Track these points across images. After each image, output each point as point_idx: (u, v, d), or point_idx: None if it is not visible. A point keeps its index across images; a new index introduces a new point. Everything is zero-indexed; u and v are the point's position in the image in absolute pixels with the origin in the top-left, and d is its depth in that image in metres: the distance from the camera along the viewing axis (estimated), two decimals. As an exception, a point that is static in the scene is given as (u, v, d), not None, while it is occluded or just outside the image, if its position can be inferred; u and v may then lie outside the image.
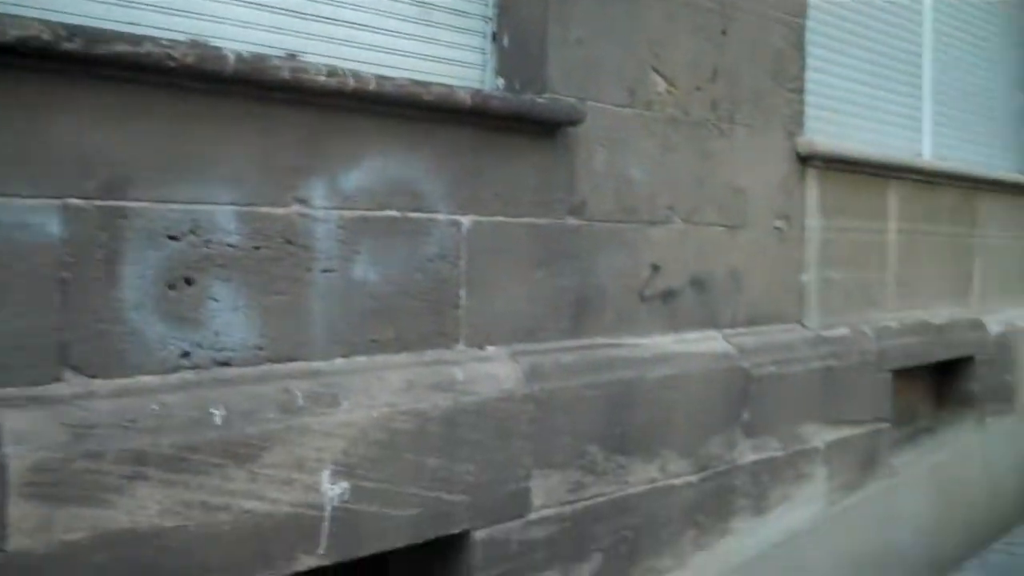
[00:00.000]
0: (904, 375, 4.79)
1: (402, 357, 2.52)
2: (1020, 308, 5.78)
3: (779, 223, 3.89)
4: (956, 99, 5.63)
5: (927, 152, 5.25)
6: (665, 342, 3.32)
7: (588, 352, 3.03)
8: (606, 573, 3.00)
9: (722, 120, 3.59)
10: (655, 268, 3.31)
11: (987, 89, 5.99)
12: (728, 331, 3.61)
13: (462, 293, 2.68)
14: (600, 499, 2.97)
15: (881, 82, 4.90)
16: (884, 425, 4.35)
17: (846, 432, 4.12)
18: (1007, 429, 5.48)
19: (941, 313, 4.98)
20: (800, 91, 4.00)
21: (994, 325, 5.36)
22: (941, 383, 5.20)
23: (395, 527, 2.37)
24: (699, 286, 3.49)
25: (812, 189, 4.06)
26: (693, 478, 3.32)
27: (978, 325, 5.23)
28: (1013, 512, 5.55)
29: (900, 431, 4.80)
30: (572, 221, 3.03)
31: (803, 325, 4.01)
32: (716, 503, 3.43)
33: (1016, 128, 6.38)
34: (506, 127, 2.81)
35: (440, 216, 2.64)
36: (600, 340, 3.11)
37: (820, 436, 3.96)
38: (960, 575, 4.84)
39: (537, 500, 2.75)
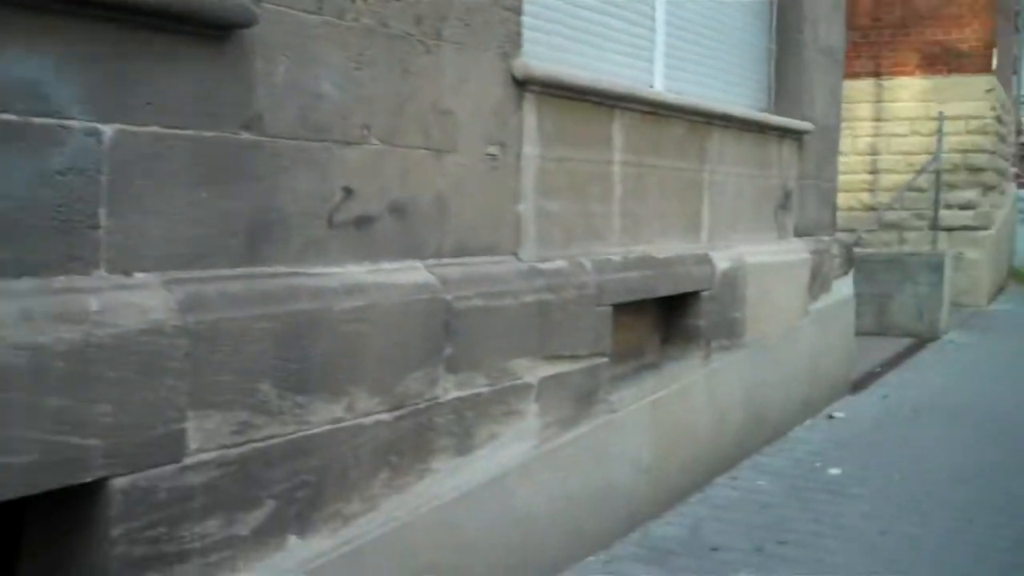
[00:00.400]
0: (629, 310, 4.83)
1: (22, 283, 2.24)
2: (749, 244, 5.95)
3: (492, 149, 3.78)
4: (691, 32, 5.69)
5: (659, 84, 5.28)
6: (358, 272, 3.15)
7: (264, 281, 2.83)
8: (281, 520, 2.83)
9: (428, 36, 3.43)
10: (348, 192, 3.12)
11: (725, 24, 6.09)
12: (432, 261, 3.48)
13: (102, 212, 2.41)
14: (273, 441, 2.79)
15: (611, 9, 4.87)
16: (603, 360, 4.36)
17: (562, 368, 4.09)
18: (734, 365, 5.65)
19: (668, 248, 5.04)
20: (517, 10, 3.88)
21: (722, 261, 5.49)
22: (668, 319, 5.28)
23: (2, 477, 2.12)
24: (400, 213, 3.34)
25: (530, 115, 3.97)
26: (386, 416, 3.19)
27: (705, 260, 5.33)
28: (739, 447, 5.74)
29: (623, 367, 4.85)
30: (247, 136, 2.80)
31: (518, 257, 3.94)
32: (414, 443, 3.32)
33: (754, 65, 6.55)
34: (163, 27, 2.54)
35: (75, 123, 2.36)
36: (281, 269, 2.91)
37: (533, 372, 3.91)
38: (684, 510, 4.93)
39: (193, 444, 2.54)
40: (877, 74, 13.53)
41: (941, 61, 13.30)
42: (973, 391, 8.02)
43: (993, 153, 13.55)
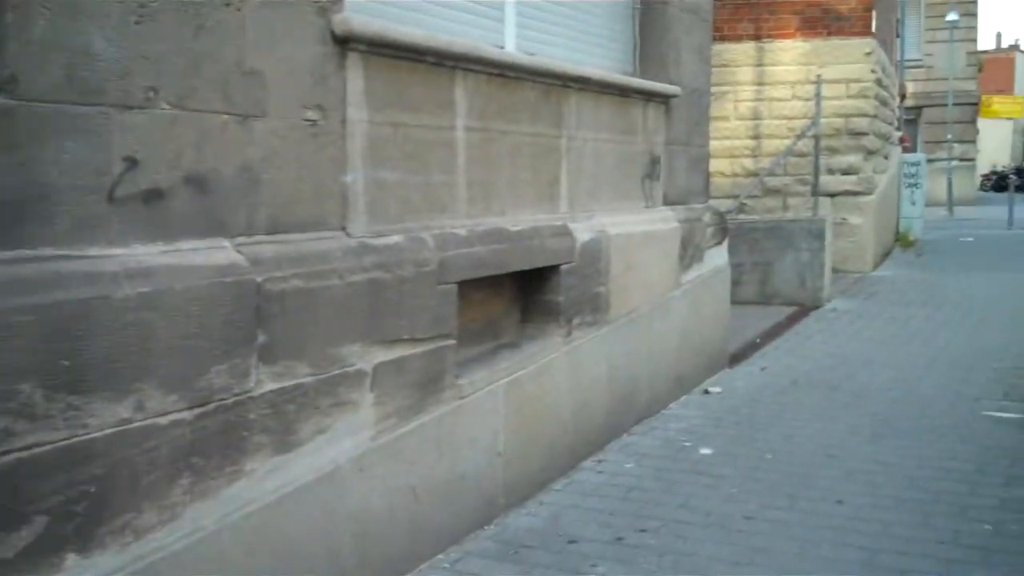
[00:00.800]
0: (480, 287, 4.62)
1: None
2: (614, 214, 5.79)
3: (311, 114, 3.51)
4: (548, -10, 5.48)
5: (510, 44, 5.06)
6: (147, 253, 2.86)
7: (24, 267, 2.53)
8: (56, 537, 2.54)
9: (227, -13, 3.14)
10: (131, 162, 2.83)
11: (583, -18, 5.89)
12: (242, 240, 3.21)
13: None
14: (41, 449, 2.50)
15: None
16: (448, 342, 4.14)
17: (401, 352, 3.86)
18: (598, 341, 5.48)
19: (522, 219, 4.83)
20: (337, -39, 3.61)
21: (583, 232, 5.31)
22: (527, 295, 5.09)
23: None
24: (198, 186, 3.05)
25: (355, 76, 3.71)
26: (186, 415, 2.91)
27: (564, 232, 5.14)
28: (607, 427, 5.59)
29: (475, 348, 4.64)
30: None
31: (347, 233, 3.68)
32: (222, 443, 3.05)
33: (617, 25, 6.37)
34: None
35: None
36: (47, 251, 2.61)
37: (367, 358, 3.67)
38: (546, 498, 4.75)
39: (-68, 458, 2.25)
40: (758, 37, 13.55)
41: (821, 24, 13.36)
42: (852, 360, 8.03)
43: (874, 117, 13.69)
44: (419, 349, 3.97)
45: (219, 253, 3.09)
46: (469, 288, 4.50)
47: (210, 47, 3.08)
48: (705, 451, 5.53)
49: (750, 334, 8.86)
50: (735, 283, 10.81)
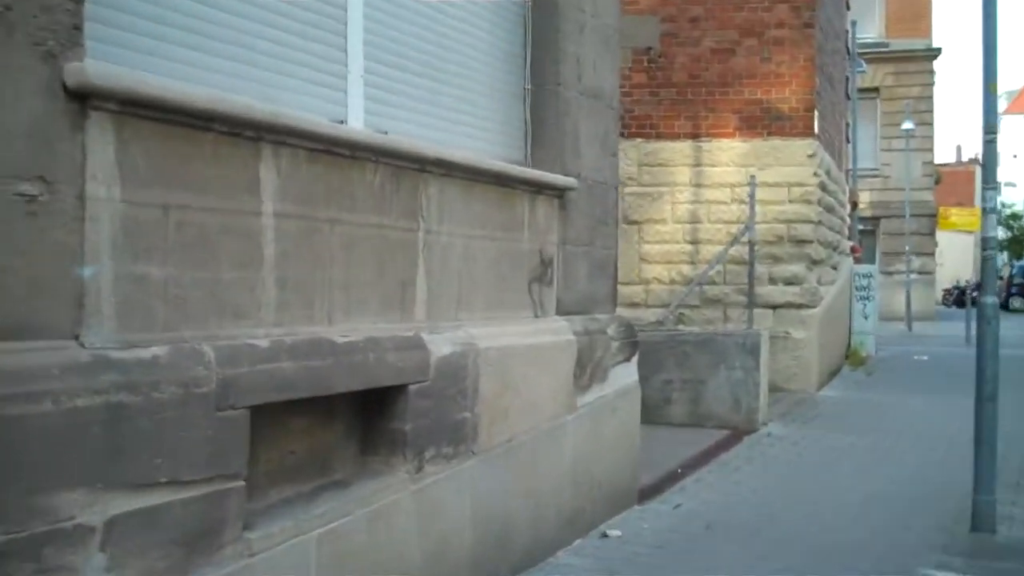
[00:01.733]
0: (304, 413, 3.89)
1: None
2: (490, 325, 5.09)
3: (28, 188, 2.79)
4: (412, 62, 4.85)
5: (355, 119, 4.40)
6: None
7: None
8: None
9: None
10: None
11: (461, 55, 5.28)
12: None
13: None
14: None
15: (280, 21, 3.99)
16: (232, 484, 3.37)
17: (155, 499, 3.08)
18: (459, 478, 4.72)
19: (358, 328, 4.11)
20: (78, -4, 2.93)
21: (442, 345, 4.59)
22: (368, 422, 4.34)
23: None
24: None
25: (102, 143, 3.01)
26: None
27: (414, 345, 4.42)
28: (471, 581, 4.81)
29: (289, 489, 3.88)
30: None
31: (80, 342, 2.94)
32: None
33: (505, 107, 5.76)
34: None
35: None
36: None
37: (97, 509, 2.89)
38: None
39: None
40: (696, 135, 13.10)
41: (761, 123, 12.94)
42: (781, 498, 7.31)
43: (818, 224, 13.20)
44: (185, 495, 3.19)
45: None
46: (283, 414, 3.76)
47: None
48: (590, 614, 4.77)
49: (672, 463, 8.11)
50: (664, 402, 10.21)
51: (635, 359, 6.86)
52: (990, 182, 6.75)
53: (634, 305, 12.88)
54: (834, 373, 15.08)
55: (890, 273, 32.46)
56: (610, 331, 6.47)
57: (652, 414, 9.85)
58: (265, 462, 3.74)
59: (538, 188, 5.63)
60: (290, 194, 3.76)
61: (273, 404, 3.61)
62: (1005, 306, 39.75)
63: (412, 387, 4.36)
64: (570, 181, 5.91)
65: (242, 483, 3.42)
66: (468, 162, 4.91)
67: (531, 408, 5.41)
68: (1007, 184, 60.67)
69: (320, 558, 3.78)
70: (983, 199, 6.77)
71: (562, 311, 5.93)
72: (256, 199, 3.61)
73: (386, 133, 4.48)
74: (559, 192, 5.85)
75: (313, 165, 3.89)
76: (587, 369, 6.08)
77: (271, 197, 3.67)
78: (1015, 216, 62.98)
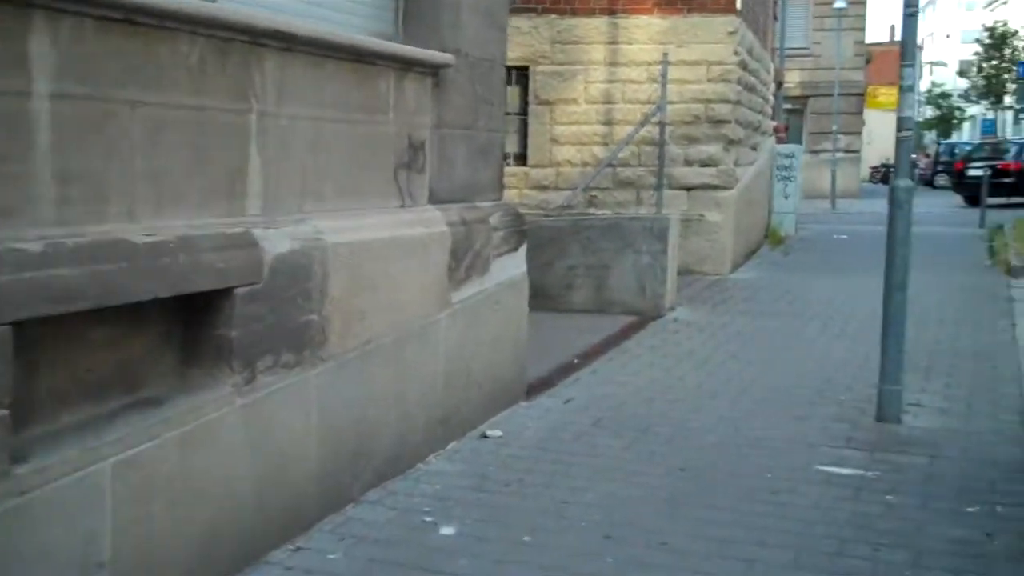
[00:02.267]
0: (108, 323, 3.36)
1: None
2: (343, 217, 4.54)
3: None
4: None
5: (171, -15, 3.76)
6: None
7: None
8: None
9: None
10: None
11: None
12: None
13: None
14: None
15: None
16: (-8, 413, 2.85)
17: None
18: (304, 387, 4.23)
19: (170, 226, 3.55)
20: None
21: (279, 242, 4.05)
22: (192, 331, 3.81)
23: None
24: None
25: None
26: None
27: (244, 242, 3.87)
28: (317, 500, 4.36)
29: (86, 410, 3.36)
30: None
31: None
32: None
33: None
34: None
35: None
36: None
37: None
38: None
39: None
40: (612, 12, 12.43)
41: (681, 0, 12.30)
42: (677, 390, 6.93)
43: (737, 103, 12.67)
44: (-79, 429, 2.67)
45: None
46: (78, 326, 3.22)
47: None
48: (447, 531, 4.34)
49: (569, 354, 7.71)
50: (567, 289, 9.77)
51: (523, 249, 6.36)
52: (908, 59, 6.27)
53: (544, 188, 12.38)
54: (751, 254, 14.75)
55: (816, 152, 32.17)
56: (493, 220, 5.94)
57: (555, 301, 9.48)
58: (50, 382, 3.21)
59: (406, 65, 5.03)
60: (73, 72, 3.15)
61: (56, 316, 3.08)
62: (931, 183, 39.82)
63: (239, 290, 3.82)
64: (446, 57, 5.31)
65: (5, 411, 2.89)
66: (315, 35, 4.29)
67: (395, 307, 4.90)
68: (937, 64, 60.30)
69: (117, 492, 3.27)
70: (901, 77, 6.28)
71: (436, 200, 5.39)
72: (25, 78, 3.01)
73: (212, 0, 3.86)
74: (432, 69, 5.26)
75: (106, 36, 3.27)
76: (464, 262, 5.58)
77: (46, 76, 3.07)
78: (944, 95, 62.82)
